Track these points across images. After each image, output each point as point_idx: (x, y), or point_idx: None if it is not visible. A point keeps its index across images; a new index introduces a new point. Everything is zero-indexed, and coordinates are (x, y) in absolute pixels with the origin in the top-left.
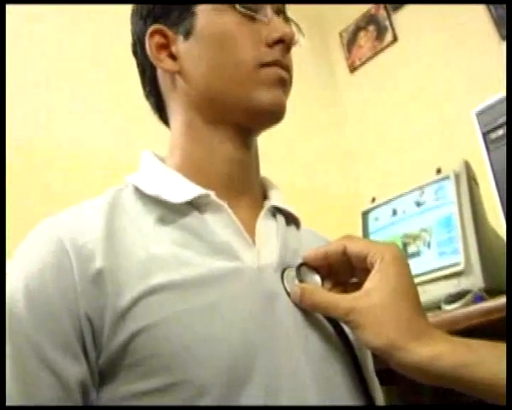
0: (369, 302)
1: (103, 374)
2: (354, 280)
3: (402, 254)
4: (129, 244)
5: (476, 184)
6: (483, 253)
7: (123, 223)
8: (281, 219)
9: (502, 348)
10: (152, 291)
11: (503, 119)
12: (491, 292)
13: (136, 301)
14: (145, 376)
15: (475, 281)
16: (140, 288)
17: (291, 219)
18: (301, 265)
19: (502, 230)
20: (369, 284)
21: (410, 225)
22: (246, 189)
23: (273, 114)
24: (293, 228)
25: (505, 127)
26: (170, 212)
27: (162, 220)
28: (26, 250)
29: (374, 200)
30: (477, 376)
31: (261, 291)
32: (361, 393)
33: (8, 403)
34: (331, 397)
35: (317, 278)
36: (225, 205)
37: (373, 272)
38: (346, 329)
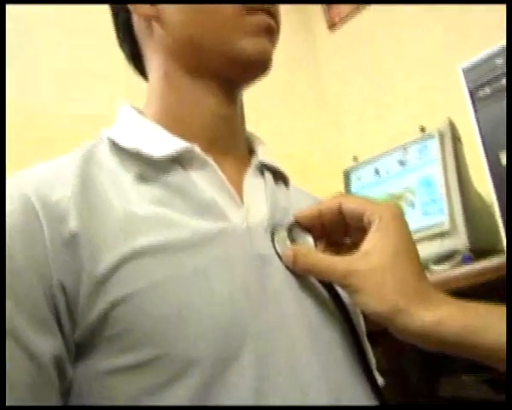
0: (369, 264)
1: (80, 348)
2: (348, 241)
3: (401, 213)
4: (106, 203)
5: (460, 143)
6: (467, 213)
7: (99, 179)
8: (269, 176)
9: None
10: (134, 255)
11: (491, 76)
12: (475, 252)
13: (116, 267)
14: (127, 349)
15: (460, 241)
16: (120, 252)
17: (279, 177)
18: (292, 224)
19: (485, 190)
20: (367, 244)
21: (393, 184)
22: (231, 145)
23: (258, 65)
24: (281, 186)
25: (493, 85)
26: (150, 168)
27: (142, 177)
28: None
29: (356, 159)
30: (484, 341)
31: (251, 254)
32: (358, 361)
33: None
34: (328, 367)
35: (310, 239)
36: (211, 160)
37: (371, 232)
38: (341, 293)
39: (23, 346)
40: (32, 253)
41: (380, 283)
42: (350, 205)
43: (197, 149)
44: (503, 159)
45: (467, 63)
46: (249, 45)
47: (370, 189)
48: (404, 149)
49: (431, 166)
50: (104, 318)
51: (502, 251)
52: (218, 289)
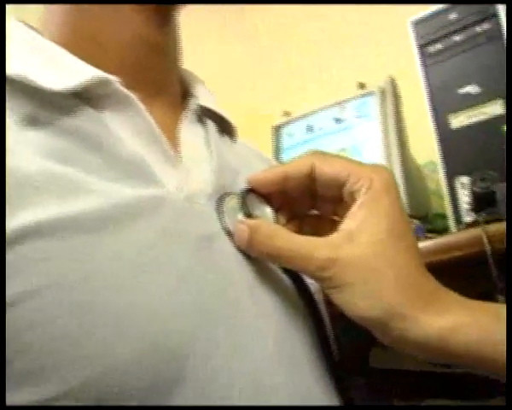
0: (356, 250)
1: None
2: (314, 212)
3: (394, 181)
4: None
5: (401, 102)
6: (406, 177)
7: None
8: (211, 125)
9: None
10: (14, 240)
11: (444, 31)
12: (412, 218)
13: None
14: (11, 385)
15: None
16: None
17: (224, 127)
18: (246, 191)
19: (419, 153)
20: (351, 221)
21: (327, 143)
22: (162, 82)
23: None
24: (227, 140)
25: (444, 41)
26: (46, 107)
27: (33, 120)
28: None
29: (287, 114)
30: (503, 356)
31: (193, 234)
32: (325, 368)
33: None
34: (293, 381)
35: (269, 211)
36: (134, 98)
37: (356, 206)
38: (307, 279)
39: None
40: None
41: (372, 275)
42: (327, 168)
43: (115, 81)
44: (453, 122)
45: (417, 16)
46: None
47: (302, 146)
48: (341, 105)
49: (370, 125)
50: None
51: (441, 217)
52: (150, 289)
